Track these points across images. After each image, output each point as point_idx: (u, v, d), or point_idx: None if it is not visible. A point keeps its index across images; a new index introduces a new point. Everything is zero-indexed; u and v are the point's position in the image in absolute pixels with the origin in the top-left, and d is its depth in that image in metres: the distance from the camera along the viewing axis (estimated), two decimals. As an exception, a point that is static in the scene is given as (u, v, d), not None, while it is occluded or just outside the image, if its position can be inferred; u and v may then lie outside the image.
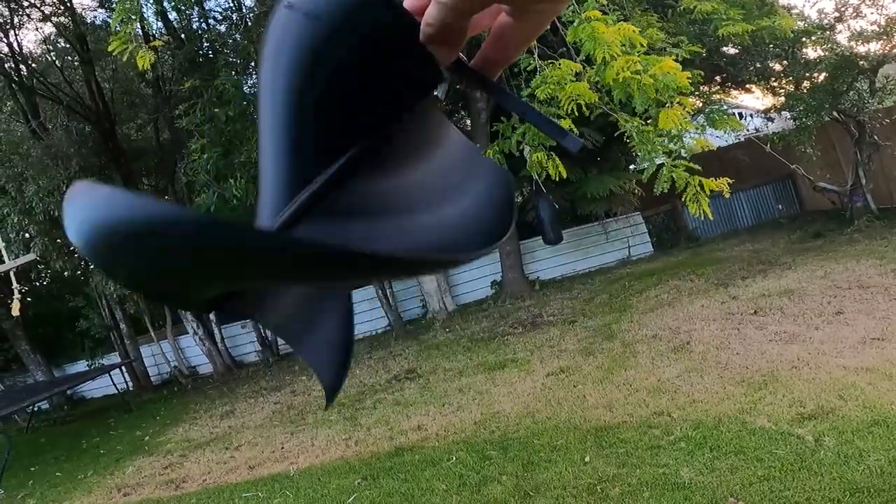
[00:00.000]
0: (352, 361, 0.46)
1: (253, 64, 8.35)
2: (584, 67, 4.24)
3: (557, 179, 6.23)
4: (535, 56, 4.56)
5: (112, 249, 0.27)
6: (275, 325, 0.44)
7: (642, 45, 3.94)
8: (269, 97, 0.35)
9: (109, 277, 0.30)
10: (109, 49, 4.41)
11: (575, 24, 3.87)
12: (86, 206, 0.27)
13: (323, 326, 0.44)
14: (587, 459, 3.52)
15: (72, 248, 10.51)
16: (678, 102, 3.95)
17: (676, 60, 3.93)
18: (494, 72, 0.39)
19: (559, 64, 4.29)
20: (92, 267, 10.71)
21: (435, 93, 0.37)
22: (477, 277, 10.51)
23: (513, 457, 3.81)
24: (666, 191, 4.31)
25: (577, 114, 4.34)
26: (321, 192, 0.33)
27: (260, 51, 0.36)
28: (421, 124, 0.38)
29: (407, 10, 0.35)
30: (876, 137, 8.43)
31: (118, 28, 4.27)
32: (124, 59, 4.42)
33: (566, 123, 4.40)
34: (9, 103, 10.67)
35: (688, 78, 3.75)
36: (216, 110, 7.60)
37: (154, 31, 8.80)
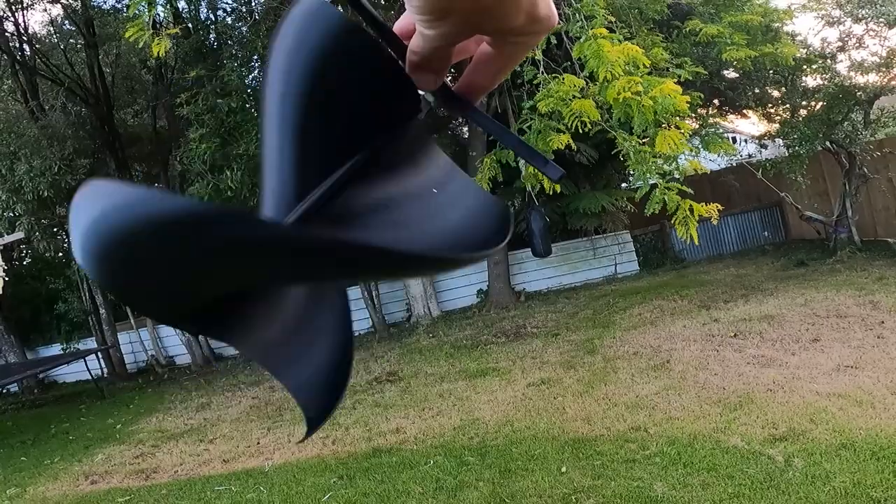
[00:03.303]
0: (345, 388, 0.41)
1: (256, 57, 8.36)
2: (586, 83, 4.30)
3: (551, 193, 6.31)
4: (541, 69, 4.61)
5: (133, 245, 0.24)
6: (254, 349, 0.39)
7: (645, 66, 3.99)
8: (277, 99, 0.35)
9: (111, 281, 0.27)
10: (126, 35, 4.45)
11: (582, 40, 3.93)
12: (109, 200, 0.25)
13: (313, 349, 0.40)
14: (564, 470, 3.55)
15: (56, 229, 10.39)
16: (675, 125, 4.01)
17: (678, 82, 4.00)
18: (475, 97, 0.40)
19: (563, 79, 4.34)
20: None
21: (419, 115, 0.39)
22: (463, 285, 10.54)
23: (490, 463, 3.83)
24: (657, 212, 4.37)
25: (579, 130, 4.40)
26: (331, 193, 0.33)
27: (269, 53, 0.36)
28: (409, 148, 0.39)
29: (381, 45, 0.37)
30: (865, 170, 8.49)
31: (137, 12, 4.30)
32: (140, 45, 4.44)
33: (566, 138, 4.46)
34: (7, 82, 10.55)
35: (687, 102, 3.82)
36: (219, 100, 7.59)
37: (162, 20, 8.79)
